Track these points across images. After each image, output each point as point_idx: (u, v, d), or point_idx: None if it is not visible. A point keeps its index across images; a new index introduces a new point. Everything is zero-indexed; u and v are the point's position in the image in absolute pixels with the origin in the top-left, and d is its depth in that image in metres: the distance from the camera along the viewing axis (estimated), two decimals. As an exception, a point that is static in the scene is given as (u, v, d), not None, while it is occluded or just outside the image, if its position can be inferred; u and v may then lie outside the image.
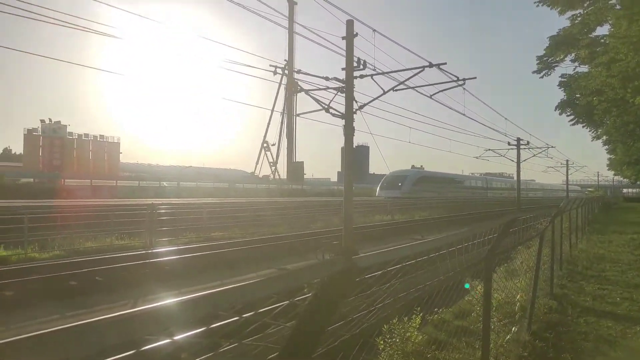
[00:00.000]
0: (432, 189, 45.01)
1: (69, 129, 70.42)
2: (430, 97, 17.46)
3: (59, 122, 70.26)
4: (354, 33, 15.17)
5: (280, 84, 41.64)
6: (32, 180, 42.00)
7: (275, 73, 15.73)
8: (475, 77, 17.08)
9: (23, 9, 9.12)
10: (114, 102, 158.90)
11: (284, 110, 69.36)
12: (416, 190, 42.06)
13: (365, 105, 16.15)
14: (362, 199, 37.35)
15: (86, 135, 72.15)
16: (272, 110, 66.37)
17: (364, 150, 71.93)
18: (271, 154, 76.02)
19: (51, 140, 67.94)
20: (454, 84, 16.55)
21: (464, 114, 22.07)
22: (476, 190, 60.69)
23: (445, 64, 15.45)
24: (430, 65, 15.35)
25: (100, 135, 73.92)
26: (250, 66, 14.48)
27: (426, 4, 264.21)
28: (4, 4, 8.78)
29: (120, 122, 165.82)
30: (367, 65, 15.20)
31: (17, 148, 75.08)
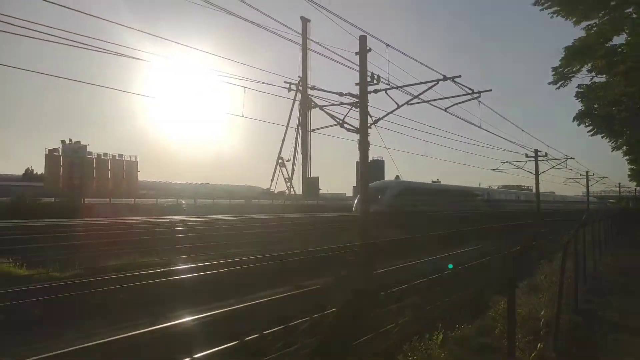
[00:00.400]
0: (420, 202, 39.19)
1: (88, 149, 71.89)
2: (445, 110, 17.41)
3: (79, 142, 71.82)
4: (367, 48, 15.28)
5: (294, 100, 41.73)
6: (53, 199, 42.84)
7: (289, 90, 15.87)
8: (490, 90, 16.97)
9: (48, 33, 9.41)
10: (132, 121, 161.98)
11: (298, 126, 69.82)
12: (399, 204, 36.43)
13: (379, 119, 16.17)
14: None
15: (105, 154, 73.54)
16: (287, 127, 66.81)
17: (379, 165, 71.70)
18: (286, 169, 76.42)
19: (71, 160, 69.38)
20: (469, 97, 16.47)
21: (479, 127, 21.92)
22: (476, 203, 53.58)
23: (459, 76, 15.42)
24: (445, 79, 15.33)
25: (118, 154, 75.28)
26: (265, 83, 14.64)
27: (439, 18, 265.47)
28: (26, 28, 9.08)
29: (138, 140, 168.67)
30: (381, 79, 15.26)
31: (39, 168, 76.83)
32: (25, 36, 9.10)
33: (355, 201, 36.19)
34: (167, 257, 16.17)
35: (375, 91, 15.63)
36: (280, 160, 75.20)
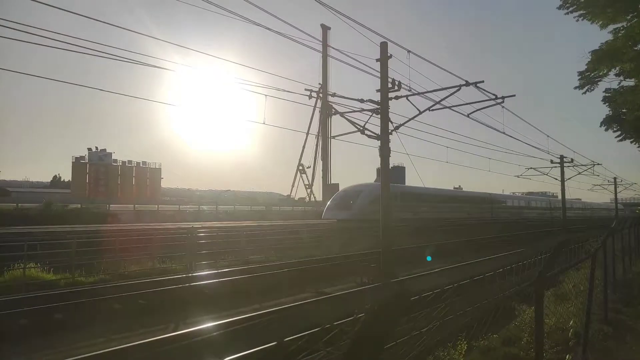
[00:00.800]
0: (404, 208, 32.61)
1: (113, 157, 73.55)
2: (468, 116, 17.20)
3: (105, 149, 73.58)
4: (388, 55, 15.25)
5: (315, 107, 41.82)
6: (79, 205, 43.89)
7: (310, 97, 15.96)
8: (514, 95, 16.70)
9: (81, 46, 9.70)
10: (156, 129, 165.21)
11: (319, 132, 70.01)
12: (374, 210, 26.64)
13: (400, 125, 16.09)
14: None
15: (130, 162, 75.12)
16: (307, 133, 66.95)
17: (400, 171, 71.17)
18: (306, 176, 76.51)
19: (97, 168, 71.09)
20: (492, 102, 16.25)
21: (503, 132, 21.58)
22: (473, 210, 45.28)
23: (482, 82, 15.24)
24: (467, 84, 15.17)
25: (142, 161, 76.79)
26: (286, 91, 14.75)
27: (461, 23, 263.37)
28: (59, 40, 9.37)
29: (162, 148, 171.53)
30: (402, 85, 15.19)
31: (66, 175, 78.94)
32: (54, 47, 9.38)
33: (326, 207, 32.00)
34: (188, 262, 16.33)
35: (397, 97, 15.57)
36: (300, 167, 75.43)
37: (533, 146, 32.56)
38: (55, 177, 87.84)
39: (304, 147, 74.07)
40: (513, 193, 75.73)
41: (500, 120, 20.84)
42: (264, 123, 15.65)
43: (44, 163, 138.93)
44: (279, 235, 24.06)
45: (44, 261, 14.22)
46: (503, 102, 16.19)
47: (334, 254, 20.85)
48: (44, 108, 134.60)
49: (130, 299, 11.55)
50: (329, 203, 32.87)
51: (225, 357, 6.59)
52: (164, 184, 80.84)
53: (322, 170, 76.33)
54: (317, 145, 73.79)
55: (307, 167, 76.42)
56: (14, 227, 23.44)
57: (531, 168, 37.28)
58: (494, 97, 16.02)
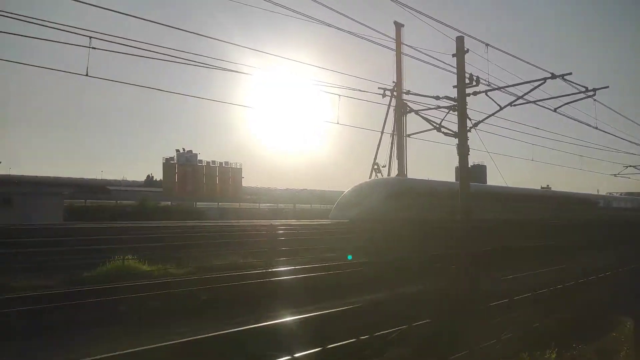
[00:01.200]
0: (421, 208, 25.31)
1: (199, 157, 78.23)
2: (555, 110, 16.17)
3: (191, 151, 78.42)
4: (465, 49, 14.77)
5: (389, 105, 41.26)
6: (169, 203, 47.33)
7: (384, 95, 15.93)
8: (607, 87, 15.41)
9: (165, 54, 10.57)
10: (237, 131, 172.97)
11: (393, 131, 69.07)
12: (390, 209, 24.13)
13: (479, 122, 15.51)
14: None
15: (213, 162, 79.45)
16: (382, 132, 66.36)
17: (480, 170, 68.13)
18: (382, 175, 75.86)
19: (184, 168, 76.03)
20: (582, 95, 15.12)
21: (596, 127, 19.98)
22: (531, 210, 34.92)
23: (570, 74, 14.24)
24: (553, 77, 14.27)
25: (225, 161, 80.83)
26: (359, 90, 14.87)
27: (544, 11, 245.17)
28: (151, 51, 10.27)
29: (242, 148, 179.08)
30: (481, 80, 14.64)
31: (158, 175, 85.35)
32: (148, 57, 10.29)
33: (334, 206, 26.15)
34: (267, 258, 17.03)
35: (475, 93, 15.03)
36: (375, 166, 74.92)
37: (632, 142, 29.66)
38: (148, 176, 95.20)
39: (378, 146, 73.31)
40: (609, 194, 69.32)
41: (592, 114, 19.20)
42: (337, 123, 15.88)
43: (139, 163, 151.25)
44: (356, 234, 24.21)
45: (140, 253, 15.61)
46: (594, 94, 15.02)
47: (409, 252, 20.54)
48: (138, 113, 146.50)
49: (216, 290, 12.29)
50: (338, 200, 26.53)
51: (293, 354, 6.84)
52: (245, 183, 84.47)
53: (398, 169, 75.22)
54: (392, 144, 72.83)
55: (383, 166, 75.64)
56: (113, 222, 25.95)
57: (630, 166, 34.00)
58: (584, 89, 14.91)
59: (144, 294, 11.23)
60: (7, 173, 51.79)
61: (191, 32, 12.42)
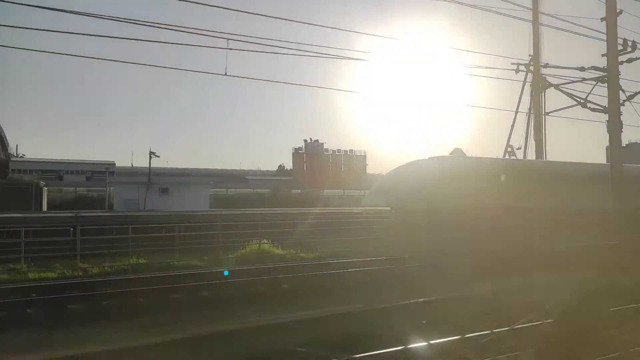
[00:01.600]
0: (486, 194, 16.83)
1: (325, 146, 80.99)
2: None
3: (317, 140, 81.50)
4: (617, 10, 12.85)
5: (524, 81, 37.90)
6: (299, 191, 49.98)
7: (517, 71, 14.71)
8: None
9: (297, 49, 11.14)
10: (359, 118, 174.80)
11: (530, 109, 63.35)
12: (425, 197, 17.07)
13: (635, 94, 13.45)
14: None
15: (338, 150, 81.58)
16: (516, 111, 61.20)
17: (637, 149, 59.18)
18: (516, 158, 70.21)
19: (312, 157, 79.43)
20: None
21: None
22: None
23: None
24: None
25: (350, 150, 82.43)
26: (489, 67, 13.91)
27: None
28: (282, 47, 10.90)
29: (365, 136, 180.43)
30: (637, 46, 12.65)
31: (288, 164, 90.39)
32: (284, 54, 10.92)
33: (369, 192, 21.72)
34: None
35: (629, 60, 13.07)
36: (509, 149, 69.63)
37: None
38: (280, 166, 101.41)
39: (512, 126, 68.02)
40: None
41: None
42: (470, 105, 15.05)
43: (271, 153, 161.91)
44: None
45: (273, 238, 16.85)
46: None
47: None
48: (270, 106, 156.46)
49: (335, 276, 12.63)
50: (373, 187, 21.80)
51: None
52: (369, 170, 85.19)
53: (536, 151, 68.97)
54: (528, 124, 66.88)
55: (517, 149, 70.06)
56: (251, 209, 28.29)
57: None
58: None
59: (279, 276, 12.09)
60: (164, 166, 59.61)
61: (319, 25, 12.85)
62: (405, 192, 18.56)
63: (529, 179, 19.35)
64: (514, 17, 14.71)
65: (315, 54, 11.55)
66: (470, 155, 21.05)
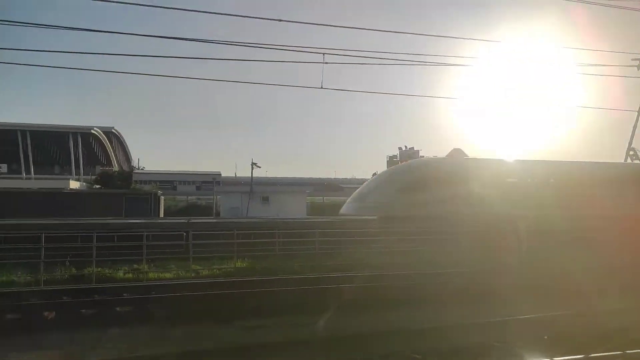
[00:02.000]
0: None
1: (420, 153, 79.28)
2: None
3: (412, 147, 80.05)
4: None
5: (649, 77, 34.09)
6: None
7: (639, 68, 13.23)
8: None
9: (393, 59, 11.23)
10: (455, 124, 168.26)
11: (657, 108, 55.99)
12: (407, 203, 15.61)
13: None
14: None
15: (435, 157, 79.44)
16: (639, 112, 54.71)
17: None
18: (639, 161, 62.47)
19: (407, 164, 78.22)
20: None
21: None
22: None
23: None
24: None
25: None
26: (603, 65, 12.73)
27: None
28: (376, 57, 11.06)
29: (460, 141, 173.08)
30: None
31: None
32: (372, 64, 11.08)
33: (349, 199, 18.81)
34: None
35: None
36: (631, 152, 62.21)
37: None
38: (374, 174, 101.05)
39: (634, 127, 60.63)
40: None
41: None
42: (581, 107, 13.91)
43: (365, 162, 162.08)
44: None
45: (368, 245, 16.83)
46: None
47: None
48: (364, 118, 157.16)
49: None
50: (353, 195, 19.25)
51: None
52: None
53: (664, 153, 60.74)
54: (656, 124, 59.10)
55: (641, 151, 62.27)
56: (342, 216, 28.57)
57: None
58: None
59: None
60: (265, 175, 62.90)
61: (415, 34, 12.79)
62: (360, 199, 17.59)
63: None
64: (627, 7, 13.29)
65: (419, 63, 11.50)
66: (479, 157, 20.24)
